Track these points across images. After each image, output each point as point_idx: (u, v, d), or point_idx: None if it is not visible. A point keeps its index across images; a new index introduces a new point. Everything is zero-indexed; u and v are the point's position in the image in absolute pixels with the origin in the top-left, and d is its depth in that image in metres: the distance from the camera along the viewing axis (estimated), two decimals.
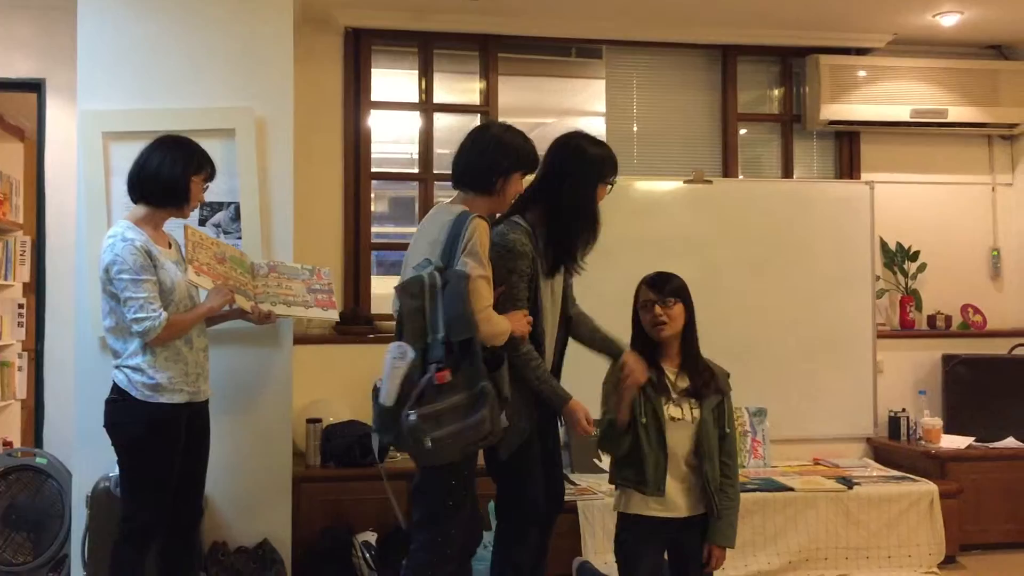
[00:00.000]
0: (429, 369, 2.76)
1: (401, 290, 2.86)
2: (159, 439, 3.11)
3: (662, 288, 3.03)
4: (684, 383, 3.04)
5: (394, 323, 2.95)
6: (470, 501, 3.00)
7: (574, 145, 3.22)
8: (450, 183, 3.18)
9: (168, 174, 3.16)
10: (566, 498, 4.19)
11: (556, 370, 3.30)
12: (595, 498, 4.25)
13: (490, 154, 3.02)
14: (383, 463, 3.02)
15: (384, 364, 2.80)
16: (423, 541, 2.93)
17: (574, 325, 3.38)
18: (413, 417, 2.71)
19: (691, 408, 3.02)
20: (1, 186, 5.64)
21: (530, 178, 3.19)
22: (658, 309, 3.00)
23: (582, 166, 3.16)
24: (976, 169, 5.70)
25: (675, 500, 3.03)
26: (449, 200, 3.15)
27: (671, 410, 3.01)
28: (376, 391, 2.87)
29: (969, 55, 5.59)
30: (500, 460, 3.09)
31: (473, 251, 2.86)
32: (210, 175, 3.30)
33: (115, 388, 3.12)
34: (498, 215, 3.24)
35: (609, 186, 3.22)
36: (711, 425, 3.01)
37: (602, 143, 3.27)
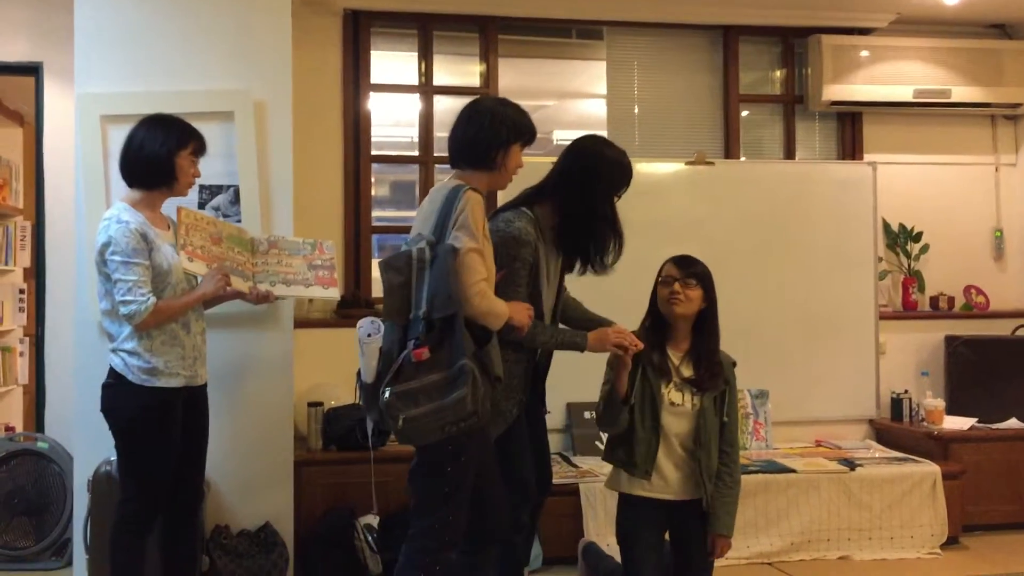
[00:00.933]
0: (408, 346, 2.68)
1: (385, 265, 2.78)
2: (156, 423, 3.09)
3: (686, 267, 3.08)
4: (688, 371, 3.05)
5: None
6: (468, 486, 2.81)
7: (593, 151, 3.18)
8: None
9: (151, 153, 3.13)
10: (568, 480, 4.24)
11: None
12: (596, 480, 4.23)
13: (487, 128, 2.91)
14: (382, 446, 3.01)
15: (357, 342, 2.74)
16: (421, 527, 2.81)
17: (565, 308, 3.35)
18: (388, 394, 2.64)
19: (692, 396, 3.02)
20: (1, 171, 5.62)
21: (531, 160, 3.16)
22: (677, 286, 3.05)
23: (599, 173, 3.12)
24: (979, 149, 5.67)
25: (670, 483, 3.04)
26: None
27: (671, 395, 3.03)
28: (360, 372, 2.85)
29: (973, 34, 5.54)
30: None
31: (464, 224, 2.75)
32: (198, 148, 3.24)
33: (111, 372, 3.11)
34: (505, 204, 3.21)
35: (617, 197, 3.19)
36: (712, 414, 3.02)
37: (621, 151, 3.21)
